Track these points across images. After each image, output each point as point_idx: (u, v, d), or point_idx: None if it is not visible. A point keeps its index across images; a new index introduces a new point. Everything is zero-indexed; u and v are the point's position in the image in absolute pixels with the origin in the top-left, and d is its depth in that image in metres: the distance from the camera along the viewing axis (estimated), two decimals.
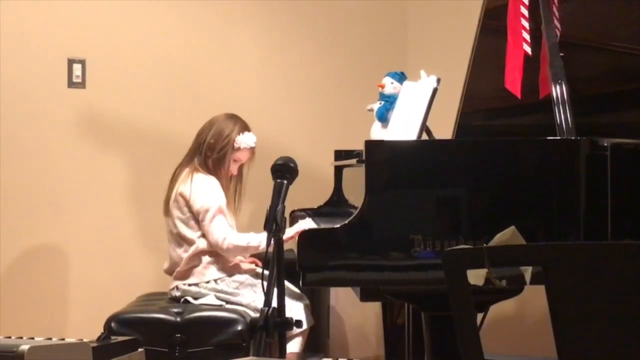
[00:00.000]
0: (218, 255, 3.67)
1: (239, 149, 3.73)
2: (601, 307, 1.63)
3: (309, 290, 3.85)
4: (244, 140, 3.73)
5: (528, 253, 1.65)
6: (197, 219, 3.65)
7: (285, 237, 2.68)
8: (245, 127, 3.77)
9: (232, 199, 3.78)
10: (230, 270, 3.68)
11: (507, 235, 1.74)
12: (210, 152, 3.71)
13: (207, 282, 3.65)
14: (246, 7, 4.61)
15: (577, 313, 1.64)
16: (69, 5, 4.36)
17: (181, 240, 3.69)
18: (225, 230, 3.61)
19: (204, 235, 3.65)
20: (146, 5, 4.48)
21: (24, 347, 2.18)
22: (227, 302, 3.62)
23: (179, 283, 3.69)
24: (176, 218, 3.69)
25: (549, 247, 1.62)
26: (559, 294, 1.61)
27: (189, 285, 3.66)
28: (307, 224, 3.53)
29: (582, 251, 1.61)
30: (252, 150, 3.75)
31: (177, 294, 3.68)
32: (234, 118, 3.78)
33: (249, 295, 3.62)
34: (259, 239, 3.59)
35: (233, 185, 3.80)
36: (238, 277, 3.67)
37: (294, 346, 3.61)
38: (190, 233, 3.66)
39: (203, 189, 3.65)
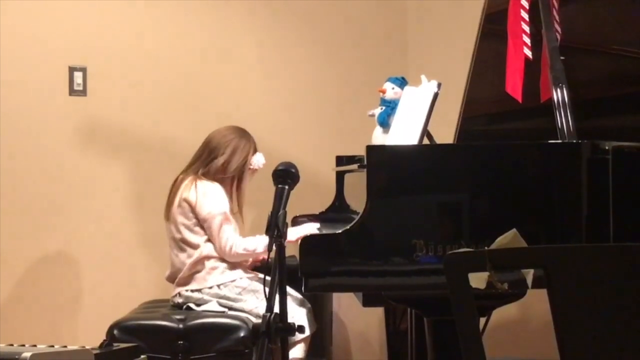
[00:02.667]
0: (220, 261, 3.67)
1: (250, 169, 3.75)
2: (604, 309, 1.63)
3: (311, 296, 3.84)
4: (257, 161, 3.76)
5: (530, 255, 1.65)
6: (202, 225, 3.66)
7: (289, 239, 2.67)
8: (255, 147, 3.80)
9: (234, 203, 3.79)
10: (233, 274, 3.67)
11: (509, 238, 1.73)
12: (224, 169, 3.71)
13: (210, 287, 3.65)
14: (246, 14, 4.61)
15: (580, 315, 1.64)
16: (70, 13, 4.37)
17: (185, 245, 3.69)
18: (232, 238, 3.62)
19: (209, 240, 3.66)
20: (147, 13, 4.48)
21: (27, 354, 2.19)
22: (230, 308, 3.62)
23: (182, 289, 3.68)
24: (180, 224, 3.69)
25: (551, 250, 1.62)
26: (561, 296, 1.61)
27: (192, 291, 3.66)
28: (311, 228, 3.52)
29: (584, 253, 1.61)
30: (258, 169, 3.78)
31: (180, 300, 3.68)
32: (246, 135, 3.79)
33: (252, 302, 3.62)
34: (265, 243, 3.57)
35: (230, 188, 3.79)
36: (240, 282, 3.66)
37: (296, 352, 3.60)
38: (196, 238, 3.67)
39: (209, 196, 3.65)
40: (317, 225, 3.58)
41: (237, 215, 3.80)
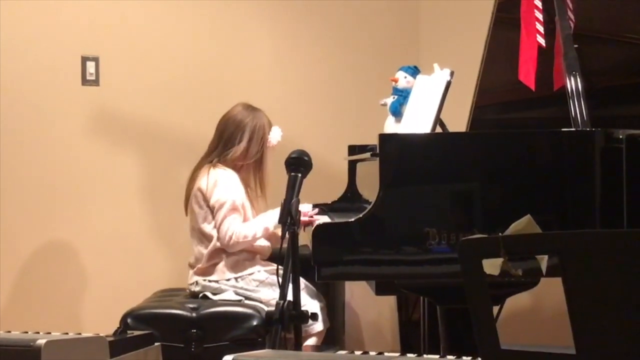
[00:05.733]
0: (238, 253, 3.65)
1: (270, 146, 3.71)
2: (619, 295, 1.62)
3: (324, 286, 3.85)
4: (275, 137, 3.70)
5: (544, 241, 1.64)
6: (213, 213, 3.65)
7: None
8: (269, 122, 3.73)
9: (254, 186, 3.75)
10: (251, 266, 3.66)
11: (523, 224, 1.73)
12: (244, 156, 3.67)
13: (227, 279, 3.64)
14: (260, 4, 4.61)
15: (595, 302, 1.63)
16: (82, 3, 4.37)
17: (202, 236, 3.68)
18: (232, 228, 3.58)
19: None
20: (160, 3, 4.48)
21: (41, 341, 2.18)
22: (246, 298, 3.61)
23: (199, 279, 3.67)
24: (196, 214, 3.68)
25: (566, 236, 1.61)
26: (576, 282, 1.60)
27: (209, 281, 3.65)
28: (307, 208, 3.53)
29: (600, 239, 1.59)
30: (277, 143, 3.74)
31: (197, 289, 3.67)
32: (258, 114, 3.71)
33: (268, 293, 3.60)
34: (264, 224, 3.58)
35: (253, 173, 3.75)
36: (258, 275, 3.65)
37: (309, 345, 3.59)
38: (210, 228, 3.65)
39: (220, 183, 3.62)
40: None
41: (260, 199, 3.75)
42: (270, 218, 3.60)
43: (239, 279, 3.64)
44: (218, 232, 3.61)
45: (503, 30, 3.42)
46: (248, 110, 3.73)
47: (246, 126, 3.68)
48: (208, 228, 3.65)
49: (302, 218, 3.19)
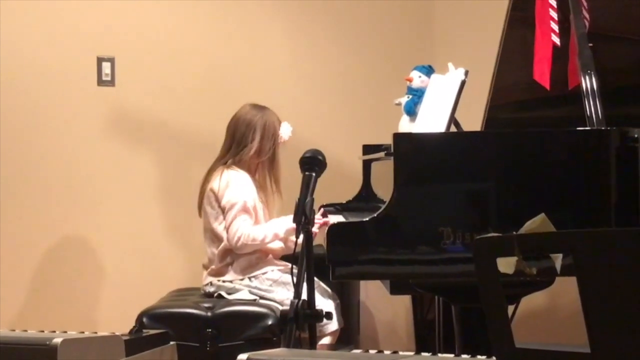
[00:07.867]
0: (251, 253, 3.66)
1: (282, 142, 3.72)
2: (634, 294, 1.61)
3: (338, 285, 3.85)
4: (286, 133, 3.72)
5: (559, 240, 1.64)
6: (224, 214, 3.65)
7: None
8: (278, 118, 3.75)
9: (268, 186, 3.76)
10: (264, 265, 3.67)
11: (537, 223, 1.72)
12: (258, 154, 3.69)
13: (241, 279, 3.65)
14: (275, 5, 4.61)
15: (610, 301, 1.63)
16: (98, 3, 4.39)
17: (213, 237, 3.68)
18: (241, 229, 3.58)
19: None
20: (175, 4, 4.50)
21: (57, 340, 2.20)
22: (261, 297, 3.61)
23: (213, 279, 3.68)
24: (208, 214, 3.69)
25: (580, 234, 1.61)
26: (590, 281, 1.60)
27: (223, 281, 3.66)
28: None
29: (614, 238, 1.59)
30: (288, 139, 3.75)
31: (211, 289, 3.68)
32: (266, 112, 3.73)
33: (283, 293, 3.61)
34: (274, 230, 3.58)
35: (268, 170, 3.75)
36: (272, 275, 3.65)
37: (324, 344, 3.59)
38: (221, 229, 3.66)
39: (232, 184, 3.63)
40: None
41: (275, 199, 3.75)
42: (282, 224, 3.60)
43: (252, 279, 3.64)
44: (227, 232, 3.62)
45: (518, 29, 3.41)
46: (256, 109, 3.75)
47: (256, 124, 3.70)
48: (219, 228, 3.66)
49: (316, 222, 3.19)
